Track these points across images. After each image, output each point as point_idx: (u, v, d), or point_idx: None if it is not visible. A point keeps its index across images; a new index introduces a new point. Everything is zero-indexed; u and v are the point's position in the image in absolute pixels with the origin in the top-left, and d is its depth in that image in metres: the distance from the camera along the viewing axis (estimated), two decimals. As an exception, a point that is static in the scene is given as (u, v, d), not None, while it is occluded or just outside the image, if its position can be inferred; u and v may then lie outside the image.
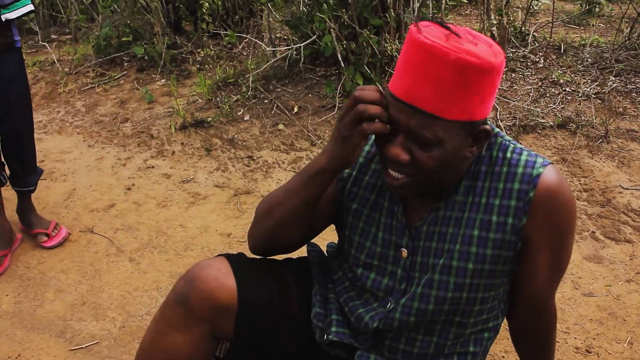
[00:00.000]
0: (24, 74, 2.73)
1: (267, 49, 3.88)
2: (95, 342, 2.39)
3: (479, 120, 1.19)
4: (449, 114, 1.14)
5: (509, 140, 1.35)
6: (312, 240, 1.62)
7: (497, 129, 1.38)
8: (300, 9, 3.49)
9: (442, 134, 1.16)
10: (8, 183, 2.92)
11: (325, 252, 1.71)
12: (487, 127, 1.22)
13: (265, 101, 3.93)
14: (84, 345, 2.38)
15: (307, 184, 1.36)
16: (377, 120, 1.19)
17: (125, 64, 4.94)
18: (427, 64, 1.11)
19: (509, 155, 1.31)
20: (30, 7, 2.63)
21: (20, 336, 2.45)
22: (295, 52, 3.97)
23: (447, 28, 1.15)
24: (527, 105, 3.55)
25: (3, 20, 2.54)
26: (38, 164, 3.01)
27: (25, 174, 2.91)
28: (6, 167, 2.89)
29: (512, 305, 1.47)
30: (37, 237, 3.00)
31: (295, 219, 1.42)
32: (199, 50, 4.91)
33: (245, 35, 4.79)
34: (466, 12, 5.97)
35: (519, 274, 1.37)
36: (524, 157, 1.30)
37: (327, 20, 3.47)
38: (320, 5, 3.56)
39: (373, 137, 1.45)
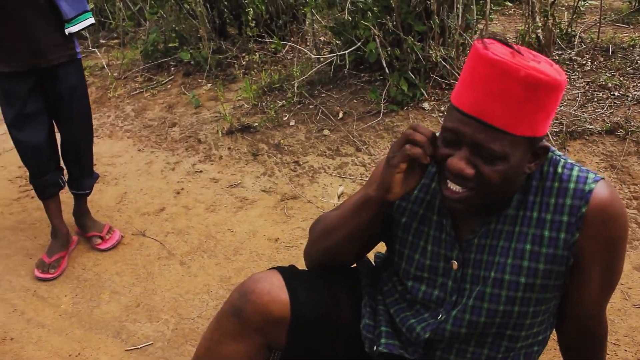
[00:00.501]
0: (84, 83, 2.85)
1: (312, 56, 3.93)
2: (150, 343, 2.48)
3: (540, 136, 1.22)
4: (516, 129, 1.17)
5: (559, 155, 1.37)
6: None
7: (548, 143, 1.40)
8: (346, 17, 3.52)
9: (508, 148, 1.19)
10: (66, 186, 3.05)
11: (373, 262, 1.75)
12: (546, 143, 1.26)
13: (311, 107, 3.98)
14: (139, 346, 2.46)
15: (357, 211, 1.43)
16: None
17: (172, 68, 5.05)
18: (496, 79, 1.14)
19: (560, 170, 1.33)
20: (92, 21, 2.76)
21: (80, 335, 2.55)
22: (339, 58, 4.01)
23: (510, 46, 1.18)
24: (574, 111, 3.52)
25: (67, 33, 2.66)
26: None
27: (82, 177, 3.03)
28: (65, 171, 3.01)
29: (563, 319, 1.47)
30: (91, 239, 3.11)
31: (350, 242, 1.50)
32: (243, 54, 4.99)
33: (288, 42, 4.84)
34: (510, 12, 5.92)
35: (571, 288, 1.39)
36: (575, 173, 1.32)
37: (372, 27, 3.51)
38: (364, 13, 3.59)
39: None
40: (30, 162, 2.86)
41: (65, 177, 3.04)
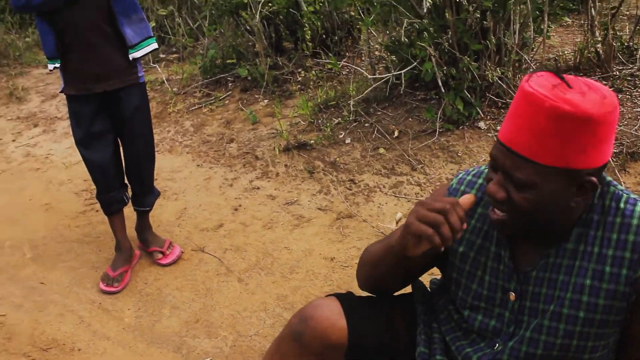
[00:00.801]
0: (146, 105, 2.97)
1: (368, 76, 3.97)
2: (209, 359, 2.56)
3: (581, 169, 1.23)
4: (543, 159, 1.20)
5: (622, 190, 1.37)
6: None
7: (610, 178, 1.41)
8: (402, 39, 3.55)
9: (536, 177, 1.22)
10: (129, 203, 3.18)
11: (428, 288, 1.78)
12: (594, 178, 1.25)
13: (366, 125, 4.02)
14: (199, 362, 2.55)
15: (387, 254, 1.50)
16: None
17: (230, 84, 5.16)
18: (525, 109, 1.20)
19: (622, 205, 1.34)
20: (155, 46, 2.89)
21: (142, 349, 2.65)
22: (394, 77, 4.04)
23: (561, 77, 1.21)
24: (635, 131, 3.46)
25: (130, 59, 2.79)
26: None
27: (144, 195, 3.15)
28: (129, 187, 3.14)
29: (622, 355, 1.48)
30: (153, 254, 3.22)
31: (392, 275, 1.57)
32: (299, 70, 5.07)
33: (344, 57, 4.89)
34: (568, 22, 5.80)
35: (632, 324, 1.38)
36: (638, 209, 1.32)
37: (428, 47, 3.52)
38: (420, 32, 3.62)
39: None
40: (97, 179, 3.00)
41: (129, 193, 3.16)
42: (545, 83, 1.20)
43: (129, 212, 3.31)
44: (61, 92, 2.88)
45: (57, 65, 2.76)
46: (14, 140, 5.55)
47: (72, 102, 2.86)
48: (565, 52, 4.44)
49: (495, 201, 1.30)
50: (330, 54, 4.82)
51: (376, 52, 4.98)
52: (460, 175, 1.58)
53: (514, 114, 1.24)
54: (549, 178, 1.22)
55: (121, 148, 3.04)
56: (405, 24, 3.70)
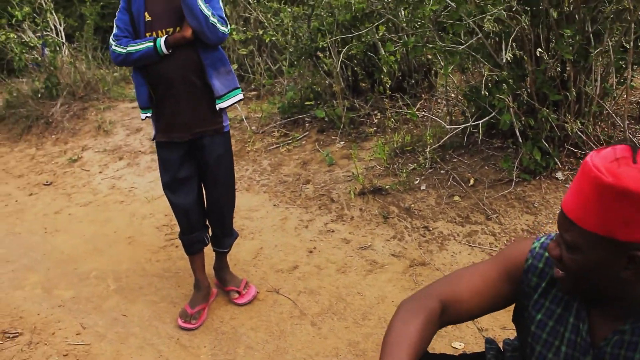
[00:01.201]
0: (230, 152, 3.10)
1: (446, 126, 4.00)
2: (282, 402, 2.61)
3: (628, 241, 1.22)
4: (586, 224, 1.25)
5: None
6: (489, 336, 1.73)
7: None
8: (483, 93, 3.56)
9: (580, 240, 1.27)
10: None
11: (501, 349, 1.78)
12: None
13: (442, 171, 4.04)
14: (272, 405, 2.60)
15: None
16: None
17: (307, 124, 5.28)
18: (578, 175, 1.27)
19: None
20: (241, 97, 3.02)
21: (217, 389, 2.73)
22: (471, 125, 4.05)
23: (634, 151, 1.23)
24: None
25: (217, 109, 2.93)
26: None
27: (224, 237, 3.26)
28: (209, 229, 3.26)
29: None
30: (230, 293, 3.32)
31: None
32: (375, 112, 5.15)
33: (420, 103, 4.94)
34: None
35: None
36: None
37: (506, 99, 3.53)
38: (499, 83, 3.63)
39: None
40: (181, 221, 3.14)
41: (210, 234, 3.28)
42: (610, 155, 1.23)
43: (208, 250, 3.43)
44: (153, 139, 3.05)
45: (149, 114, 2.94)
46: (100, 172, 5.84)
47: (162, 149, 3.01)
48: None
49: (553, 258, 1.37)
50: (405, 97, 4.88)
51: (452, 95, 5.01)
52: (542, 240, 1.59)
53: (574, 179, 1.31)
54: (593, 244, 1.26)
55: (204, 192, 3.17)
56: (484, 74, 3.71)
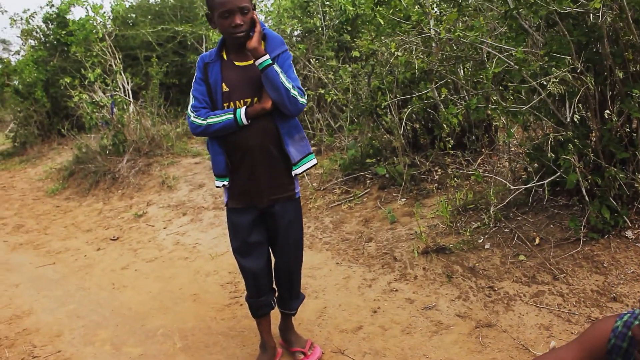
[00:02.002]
0: (300, 218, 3.13)
1: (510, 186, 3.97)
2: None
3: None
4: None
5: None
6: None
7: None
8: (549, 155, 3.54)
9: None
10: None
11: None
12: None
13: (506, 230, 4.01)
14: None
15: None
16: None
17: (368, 181, 5.33)
18: None
19: None
20: (314, 162, 3.04)
21: None
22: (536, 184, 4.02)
23: None
24: None
25: (293, 175, 2.98)
26: None
27: (291, 299, 3.28)
28: (276, 292, 3.29)
29: None
30: (295, 354, 3.33)
31: None
32: (436, 168, 5.16)
33: (481, 158, 4.93)
34: None
35: None
36: None
37: (572, 159, 3.50)
38: (564, 144, 3.60)
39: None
40: (249, 284, 3.15)
41: (276, 296, 3.31)
42: None
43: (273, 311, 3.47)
44: (225, 205, 3.06)
45: (226, 183, 2.94)
46: (165, 228, 5.99)
47: (233, 214, 3.02)
48: None
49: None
50: (466, 153, 4.88)
51: (513, 149, 4.98)
52: (625, 318, 1.57)
53: None
54: None
55: (272, 255, 3.19)
56: (548, 132, 3.69)
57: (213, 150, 2.92)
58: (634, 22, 3.41)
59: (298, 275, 3.24)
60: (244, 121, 2.78)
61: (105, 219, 6.77)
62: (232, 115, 2.78)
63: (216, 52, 2.87)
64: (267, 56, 2.72)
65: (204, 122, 2.81)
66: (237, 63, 2.85)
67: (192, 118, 2.84)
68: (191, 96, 2.90)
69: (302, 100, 2.81)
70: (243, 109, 2.79)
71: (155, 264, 5.06)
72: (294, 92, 2.75)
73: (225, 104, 2.84)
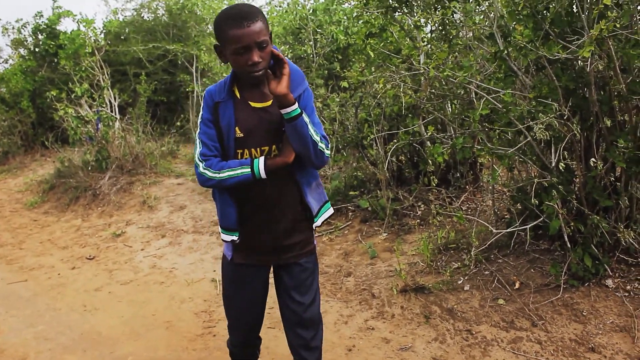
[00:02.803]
0: (316, 268, 2.67)
1: (493, 230, 3.94)
2: None
3: None
4: None
5: None
6: None
7: None
8: (533, 201, 3.52)
9: None
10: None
11: None
12: None
13: (486, 272, 3.96)
14: None
15: None
16: None
17: (350, 213, 5.28)
18: None
19: None
20: (332, 211, 2.65)
21: None
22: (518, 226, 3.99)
23: None
24: None
25: (313, 227, 2.60)
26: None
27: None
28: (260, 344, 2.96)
29: None
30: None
31: None
32: (419, 204, 5.13)
33: (464, 195, 4.91)
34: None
35: None
36: None
37: (555, 206, 3.48)
38: (548, 189, 3.58)
39: None
40: (238, 336, 2.79)
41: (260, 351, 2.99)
42: None
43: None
44: (229, 259, 2.60)
45: (235, 238, 2.49)
46: (142, 249, 5.90)
47: (239, 270, 2.60)
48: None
49: None
50: (450, 190, 4.86)
51: (497, 187, 4.96)
52: None
53: None
54: None
55: (282, 308, 2.68)
56: (532, 176, 3.68)
57: (222, 200, 2.48)
58: (622, 71, 3.42)
59: (321, 330, 2.73)
60: (262, 175, 2.34)
61: (82, 236, 6.66)
62: (249, 170, 2.34)
63: (227, 88, 2.40)
64: (296, 105, 2.27)
65: (217, 176, 2.36)
66: (252, 104, 2.39)
67: (201, 169, 2.38)
68: (198, 141, 2.43)
69: (328, 152, 2.40)
70: (262, 162, 2.34)
71: (129, 287, 4.96)
72: (322, 145, 2.33)
73: (239, 151, 2.39)
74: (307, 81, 2.44)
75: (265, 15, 2.29)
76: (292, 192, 2.46)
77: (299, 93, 2.36)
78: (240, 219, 2.48)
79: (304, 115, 2.28)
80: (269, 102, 2.37)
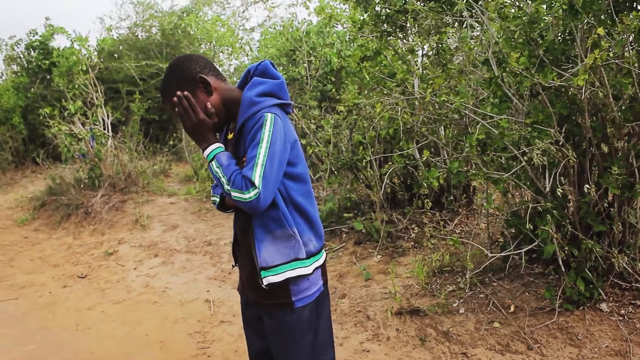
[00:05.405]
0: (298, 338, 2.25)
1: (488, 254, 3.97)
2: None
3: None
4: None
5: None
6: None
7: None
8: (527, 226, 3.56)
9: None
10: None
11: None
12: None
13: (481, 295, 3.99)
14: None
15: None
16: None
17: (344, 235, 5.30)
18: None
19: None
20: (305, 271, 2.16)
21: None
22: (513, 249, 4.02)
23: None
24: None
25: (263, 285, 2.19)
26: None
27: None
28: None
29: None
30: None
31: None
32: (413, 226, 5.15)
33: (458, 218, 4.94)
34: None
35: None
36: None
37: (550, 231, 3.52)
38: (542, 214, 3.62)
39: None
40: None
41: None
42: None
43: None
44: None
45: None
46: (135, 269, 5.87)
47: (243, 305, 2.45)
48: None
49: None
50: (444, 213, 4.89)
51: (491, 210, 4.99)
52: None
53: None
54: None
55: None
56: (527, 201, 3.72)
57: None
58: (614, 98, 3.48)
59: None
60: (223, 209, 2.29)
61: (74, 254, 6.62)
62: (218, 199, 2.31)
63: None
64: (211, 148, 2.14)
65: (216, 200, 2.34)
66: (229, 135, 2.33)
67: (212, 196, 2.38)
68: None
69: (239, 196, 2.00)
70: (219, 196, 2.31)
71: (122, 306, 4.94)
72: (228, 188, 2.03)
73: None
74: (257, 106, 2.11)
75: (184, 71, 2.18)
76: (247, 232, 2.18)
77: (241, 122, 2.12)
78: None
79: (214, 162, 2.11)
80: (231, 135, 2.28)
